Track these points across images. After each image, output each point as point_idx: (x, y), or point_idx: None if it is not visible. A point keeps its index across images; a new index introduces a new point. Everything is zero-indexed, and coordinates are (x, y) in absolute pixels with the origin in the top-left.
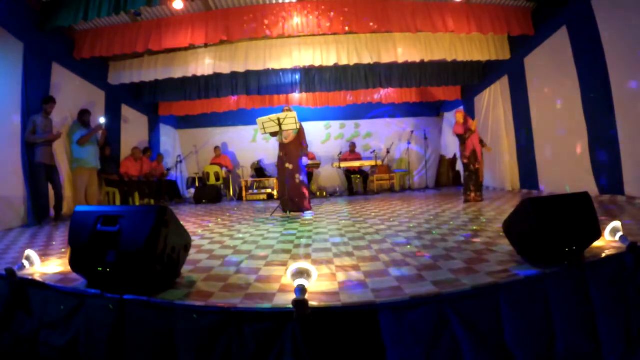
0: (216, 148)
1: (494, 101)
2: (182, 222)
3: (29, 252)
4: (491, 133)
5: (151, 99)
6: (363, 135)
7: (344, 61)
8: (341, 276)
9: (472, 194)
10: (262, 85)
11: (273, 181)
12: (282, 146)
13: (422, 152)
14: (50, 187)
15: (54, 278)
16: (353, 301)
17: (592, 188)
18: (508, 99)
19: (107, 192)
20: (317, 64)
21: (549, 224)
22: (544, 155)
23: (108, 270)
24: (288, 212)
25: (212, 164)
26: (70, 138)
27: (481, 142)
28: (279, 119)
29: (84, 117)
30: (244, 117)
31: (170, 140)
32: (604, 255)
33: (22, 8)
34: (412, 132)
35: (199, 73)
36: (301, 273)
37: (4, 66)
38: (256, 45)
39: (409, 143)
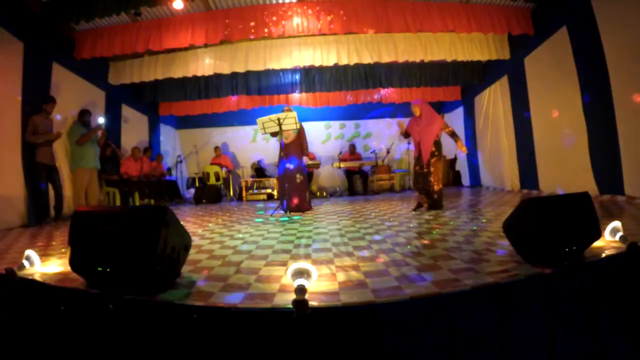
0: (216, 148)
1: (494, 101)
2: (182, 222)
3: (29, 252)
4: (491, 133)
5: (151, 99)
6: (363, 135)
7: (344, 61)
8: (341, 276)
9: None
10: (262, 85)
11: (273, 181)
12: (283, 146)
13: None
14: (50, 187)
15: (54, 278)
16: (353, 301)
17: (592, 188)
18: (508, 99)
19: (107, 192)
20: (317, 64)
21: (549, 224)
22: (544, 155)
23: (108, 270)
24: (288, 212)
25: (212, 164)
26: (70, 138)
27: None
28: (279, 119)
29: (84, 117)
30: (244, 117)
31: (170, 140)
32: (604, 255)
33: (22, 8)
34: None
35: (199, 73)
36: (301, 273)
37: (4, 66)
38: (256, 45)
39: (409, 143)
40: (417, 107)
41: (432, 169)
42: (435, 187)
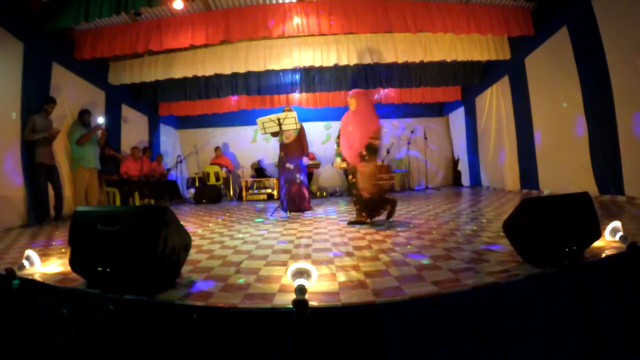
0: (217, 148)
1: (496, 101)
2: (182, 222)
3: (29, 252)
4: (493, 133)
5: (151, 99)
6: None
7: (344, 61)
8: (341, 276)
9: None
10: (262, 86)
11: (273, 181)
12: (283, 146)
13: (422, 152)
14: (50, 187)
15: (54, 278)
16: (353, 301)
17: (592, 188)
18: (509, 99)
19: (107, 192)
20: (317, 64)
21: (549, 224)
22: (545, 155)
23: (108, 270)
24: (288, 212)
25: (212, 164)
26: (70, 138)
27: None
28: (279, 119)
29: (83, 117)
30: (244, 118)
31: (170, 140)
32: (604, 255)
33: (22, 8)
34: (412, 132)
35: (199, 73)
36: (301, 273)
37: (4, 66)
38: (256, 46)
39: (408, 143)
40: (353, 99)
41: (358, 175)
42: (365, 195)
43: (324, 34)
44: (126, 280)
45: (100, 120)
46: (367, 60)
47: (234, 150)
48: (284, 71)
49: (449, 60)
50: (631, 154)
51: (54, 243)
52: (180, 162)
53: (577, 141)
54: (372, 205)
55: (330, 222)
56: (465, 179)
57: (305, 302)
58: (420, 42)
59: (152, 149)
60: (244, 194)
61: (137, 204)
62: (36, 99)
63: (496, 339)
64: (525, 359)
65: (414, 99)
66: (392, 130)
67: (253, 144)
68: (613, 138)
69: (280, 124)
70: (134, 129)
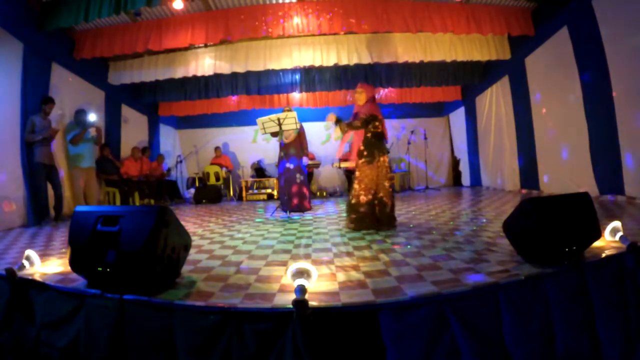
0: (217, 148)
1: (496, 101)
2: (182, 222)
3: (29, 252)
4: (493, 133)
5: (151, 99)
6: None
7: (344, 61)
8: (341, 276)
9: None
10: (262, 85)
11: (273, 181)
12: (283, 146)
13: (422, 152)
14: (49, 187)
15: (54, 278)
16: (353, 301)
17: (592, 188)
18: (509, 99)
19: (107, 192)
20: (317, 64)
21: (549, 224)
22: (545, 155)
23: (108, 270)
24: (288, 212)
25: (212, 164)
26: (67, 138)
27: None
28: (279, 119)
29: (79, 116)
30: (244, 118)
31: (170, 140)
32: (604, 255)
33: (22, 8)
34: (411, 132)
35: (199, 73)
36: (301, 273)
37: (3, 66)
38: (256, 46)
39: (408, 143)
40: (362, 94)
41: (357, 173)
42: (353, 200)
43: (324, 34)
44: (126, 280)
45: (92, 118)
46: (367, 60)
47: (234, 150)
48: (284, 71)
49: (449, 60)
50: (631, 154)
51: (54, 243)
52: (180, 162)
53: (577, 141)
54: (360, 216)
55: (330, 222)
56: (466, 179)
57: (305, 302)
58: (420, 42)
59: (152, 149)
60: (244, 194)
61: (137, 204)
62: (36, 99)
63: (496, 339)
64: (525, 358)
65: (414, 99)
66: (392, 130)
67: (253, 144)
68: (613, 138)
69: (280, 124)
70: (134, 129)
